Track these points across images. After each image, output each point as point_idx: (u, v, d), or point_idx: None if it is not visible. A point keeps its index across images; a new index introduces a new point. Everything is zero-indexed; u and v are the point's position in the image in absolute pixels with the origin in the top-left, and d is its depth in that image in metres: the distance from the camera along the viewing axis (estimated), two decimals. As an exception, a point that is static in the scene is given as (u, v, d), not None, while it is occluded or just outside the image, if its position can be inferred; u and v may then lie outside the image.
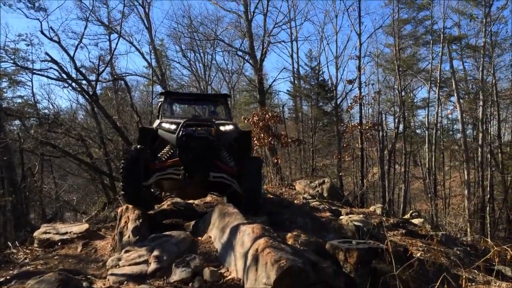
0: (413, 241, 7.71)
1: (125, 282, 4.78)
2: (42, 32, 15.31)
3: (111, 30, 21.91)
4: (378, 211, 10.56)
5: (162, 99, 8.21)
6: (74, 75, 16.61)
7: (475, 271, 6.11)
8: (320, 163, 26.26)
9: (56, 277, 4.29)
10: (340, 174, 22.19)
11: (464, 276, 3.04)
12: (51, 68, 16.27)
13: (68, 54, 16.16)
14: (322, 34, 27.11)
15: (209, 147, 6.50)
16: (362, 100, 21.94)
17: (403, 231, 8.31)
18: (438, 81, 23.33)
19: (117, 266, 5.17)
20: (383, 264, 4.64)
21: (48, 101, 42.57)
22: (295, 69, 29.53)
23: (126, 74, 24.40)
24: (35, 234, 7.65)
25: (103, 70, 19.32)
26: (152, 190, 7.82)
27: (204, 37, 26.05)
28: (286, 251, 3.99)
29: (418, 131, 32.10)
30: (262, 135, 14.06)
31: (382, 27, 25.48)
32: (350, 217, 8.17)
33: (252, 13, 23.02)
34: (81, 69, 17.51)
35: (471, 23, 24.27)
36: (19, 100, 23.14)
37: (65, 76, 16.42)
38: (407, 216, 11.94)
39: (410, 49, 27.37)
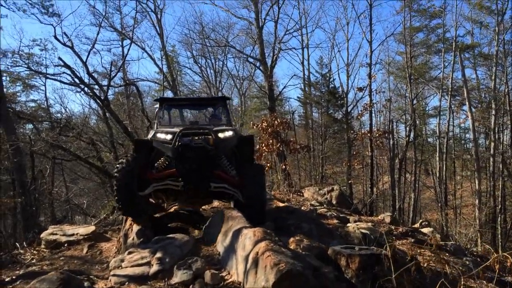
0: (422, 250, 7.60)
1: (127, 283, 4.81)
2: (55, 37, 15.54)
3: (123, 36, 22.17)
4: (387, 220, 10.46)
5: (157, 106, 7.90)
6: (86, 80, 16.80)
7: (484, 281, 6.00)
8: (330, 171, 26.11)
9: (58, 276, 4.34)
10: (350, 181, 22.04)
11: (462, 283, 2.98)
12: (64, 72, 16.53)
13: (81, 59, 16.35)
14: (333, 41, 27.26)
15: (207, 157, 6.21)
16: (373, 108, 21.84)
17: (412, 240, 8.20)
18: (450, 89, 23.11)
19: (120, 267, 5.21)
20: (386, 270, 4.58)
21: (61, 105, 43.01)
22: (305, 76, 29.51)
23: (138, 80, 24.68)
24: (42, 235, 7.77)
25: (115, 75, 19.62)
26: (152, 200, 7.44)
27: (216, 43, 26.26)
28: (286, 255, 3.97)
29: (430, 139, 31.78)
30: (271, 141, 14.06)
31: (394, 35, 25.40)
32: (357, 225, 8.10)
33: (263, 20, 23.23)
34: (93, 74, 17.76)
35: (484, 32, 24.11)
36: (33, 104, 23.55)
37: (77, 81, 16.61)
38: (416, 225, 11.80)
39: (422, 57, 27.19)
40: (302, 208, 10.13)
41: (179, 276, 4.64)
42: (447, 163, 23.46)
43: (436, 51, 26.53)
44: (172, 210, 8.42)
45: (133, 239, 6.21)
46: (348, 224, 8.37)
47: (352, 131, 23.05)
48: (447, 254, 7.79)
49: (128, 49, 31.08)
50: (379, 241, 6.95)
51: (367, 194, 22.27)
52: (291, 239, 5.45)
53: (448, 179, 24.18)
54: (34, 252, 7.22)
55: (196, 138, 6.23)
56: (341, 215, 9.56)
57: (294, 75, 35.67)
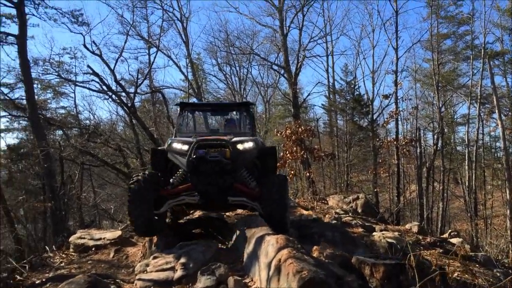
0: (450, 261, 7.40)
1: (152, 287, 4.88)
2: (85, 46, 16.10)
3: (150, 44, 22.71)
4: (415, 229, 10.26)
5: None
6: (114, 88, 17.30)
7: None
8: (355, 179, 25.80)
9: (85, 279, 4.45)
10: (376, 190, 21.72)
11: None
12: (92, 80, 17.10)
13: (109, 67, 16.83)
14: (358, 49, 27.10)
15: (223, 171, 5.79)
16: (399, 115, 21.50)
17: (441, 250, 8.00)
18: (479, 97, 22.52)
19: (145, 272, 5.28)
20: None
21: (90, 112, 44.23)
22: (330, 83, 29.45)
23: (164, 87, 25.22)
24: (71, 239, 7.97)
25: (142, 83, 20.10)
26: (168, 213, 7.11)
27: (240, 51, 26.50)
28: (309, 263, 3.95)
29: (459, 148, 30.97)
30: (295, 148, 14.03)
31: (420, 42, 25.03)
32: (383, 234, 7.95)
33: (287, 28, 23.34)
34: (120, 82, 18.24)
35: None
36: (62, 111, 24.41)
37: (105, 88, 17.12)
38: (445, 235, 11.50)
39: (450, 64, 26.64)
40: (326, 216, 10.05)
41: (202, 281, 4.67)
42: (477, 172, 22.72)
43: (465, 58, 26.02)
44: (196, 215, 8.52)
45: (157, 244, 6.29)
46: (374, 233, 8.23)
47: (377, 139, 22.75)
48: (477, 265, 7.57)
49: (155, 57, 31.75)
50: (405, 251, 6.81)
51: (393, 203, 21.84)
52: (314, 247, 5.40)
53: (478, 189, 23.42)
54: (63, 255, 7.40)
55: (212, 150, 5.86)
56: (366, 224, 9.43)
57: (319, 82, 35.68)
